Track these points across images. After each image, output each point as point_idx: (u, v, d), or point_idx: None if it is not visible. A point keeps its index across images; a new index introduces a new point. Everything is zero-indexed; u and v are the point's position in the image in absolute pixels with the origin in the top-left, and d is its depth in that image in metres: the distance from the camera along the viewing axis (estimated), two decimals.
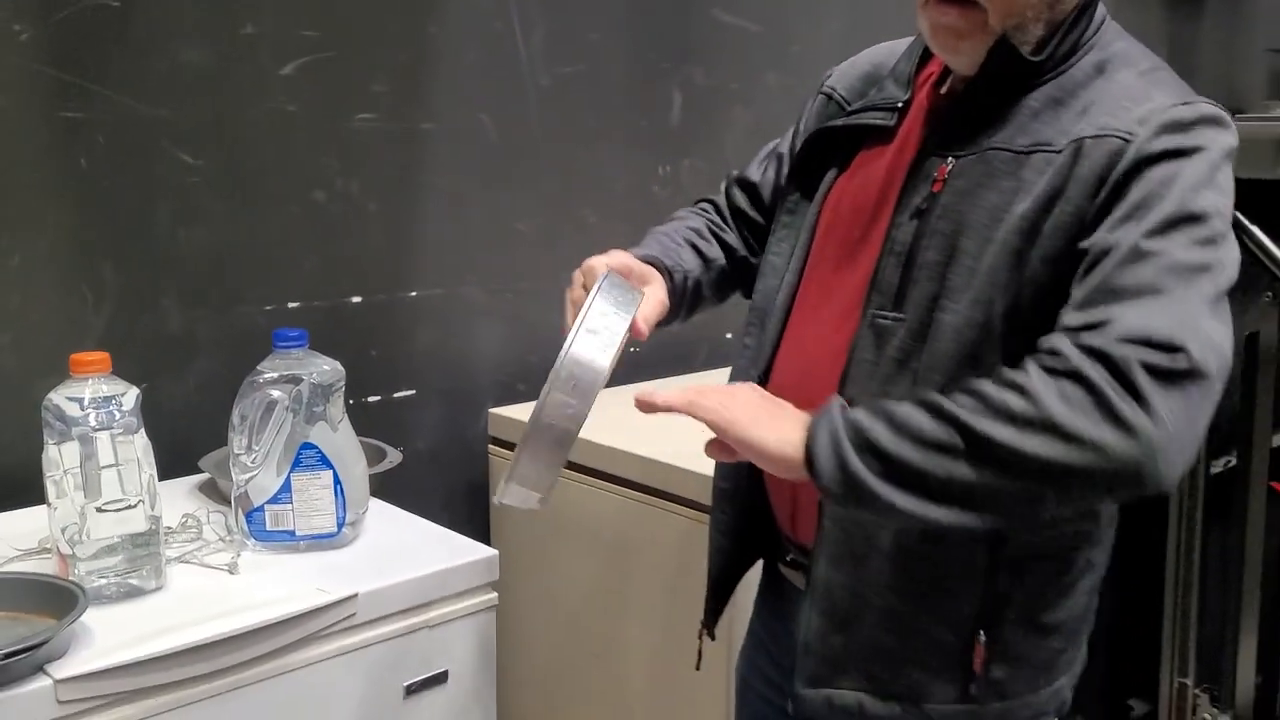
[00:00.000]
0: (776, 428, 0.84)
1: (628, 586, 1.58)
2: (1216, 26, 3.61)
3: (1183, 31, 3.47)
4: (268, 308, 1.58)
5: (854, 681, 0.98)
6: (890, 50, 1.10)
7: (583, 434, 1.64)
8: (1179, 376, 0.76)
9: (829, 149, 1.05)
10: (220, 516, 1.31)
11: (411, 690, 1.17)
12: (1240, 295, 2.06)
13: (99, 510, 1.08)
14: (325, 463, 1.22)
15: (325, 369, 1.23)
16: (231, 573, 1.17)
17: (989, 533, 0.91)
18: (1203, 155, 0.86)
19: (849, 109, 1.07)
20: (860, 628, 0.97)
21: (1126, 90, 0.90)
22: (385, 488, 1.43)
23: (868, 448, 0.80)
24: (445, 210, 1.75)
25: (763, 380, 1.04)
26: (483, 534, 1.74)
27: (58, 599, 1.02)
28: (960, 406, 0.79)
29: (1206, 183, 0.85)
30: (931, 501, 0.79)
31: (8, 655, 0.91)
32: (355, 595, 1.12)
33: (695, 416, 0.86)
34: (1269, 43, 3.78)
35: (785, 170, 1.16)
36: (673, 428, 1.75)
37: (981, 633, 0.95)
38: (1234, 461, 2.10)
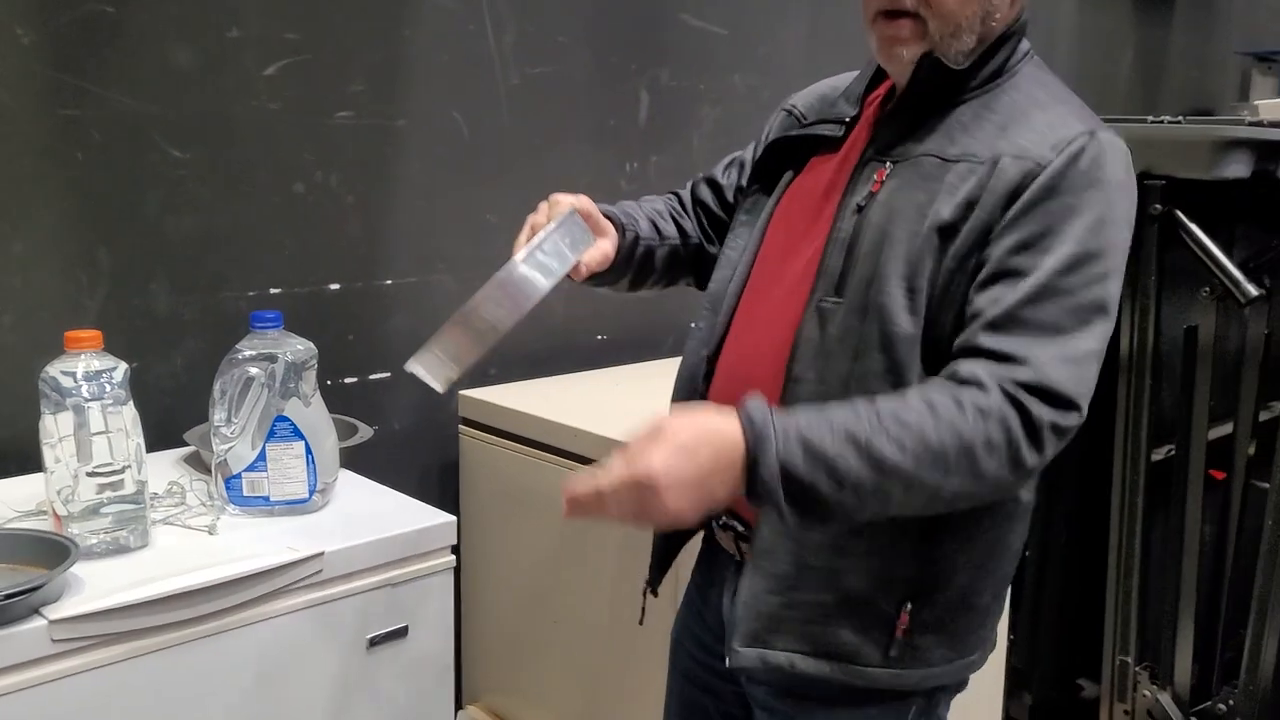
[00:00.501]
0: (715, 493, 0.88)
1: (583, 556, 1.68)
2: (1187, 29, 3.68)
3: (1153, 34, 3.55)
4: (250, 293, 1.68)
5: (787, 641, 1.05)
6: (847, 78, 1.21)
7: (545, 415, 1.75)
8: (1069, 431, 0.94)
9: (787, 156, 1.17)
10: (203, 484, 1.41)
11: (375, 642, 1.28)
12: (1181, 291, 2.17)
13: (90, 474, 1.19)
14: (298, 434, 1.32)
15: (299, 348, 1.33)
16: (211, 533, 1.28)
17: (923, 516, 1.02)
18: (1100, 192, 0.98)
19: (805, 122, 1.19)
20: (799, 589, 1.04)
21: (1043, 118, 1.02)
22: (360, 463, 1.54)
23: (811, 500, 0.88)
24: (419, 202, 1.85)
25: (712, 359, 1.14)
26: (453, 508, 1.85)
27: (52, 551, 1.13)
28: (904, 452, 0.89)
29: (1104, 218, 0.97)
30: (856, 517, 0.93)
31: (7, 597, 1.02)
32: (322, 553, 1.23)
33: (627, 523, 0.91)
34: (1239, 45, 3.87)
35: (746, 175, 1.27)
36: (628, 409, 1.85)
37: (909, 602, 1.03)
38: (1174, 450, 2.20)
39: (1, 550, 1.16)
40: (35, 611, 1.06)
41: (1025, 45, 1.08)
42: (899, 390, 0.98)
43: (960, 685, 1.12)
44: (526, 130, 1.96)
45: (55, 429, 1.19)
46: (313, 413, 1.34)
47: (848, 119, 1.13)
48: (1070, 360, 0.93)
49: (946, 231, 0.98)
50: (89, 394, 1.19)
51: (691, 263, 1.28)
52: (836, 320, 1.01)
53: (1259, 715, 2.05)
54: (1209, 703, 2.15)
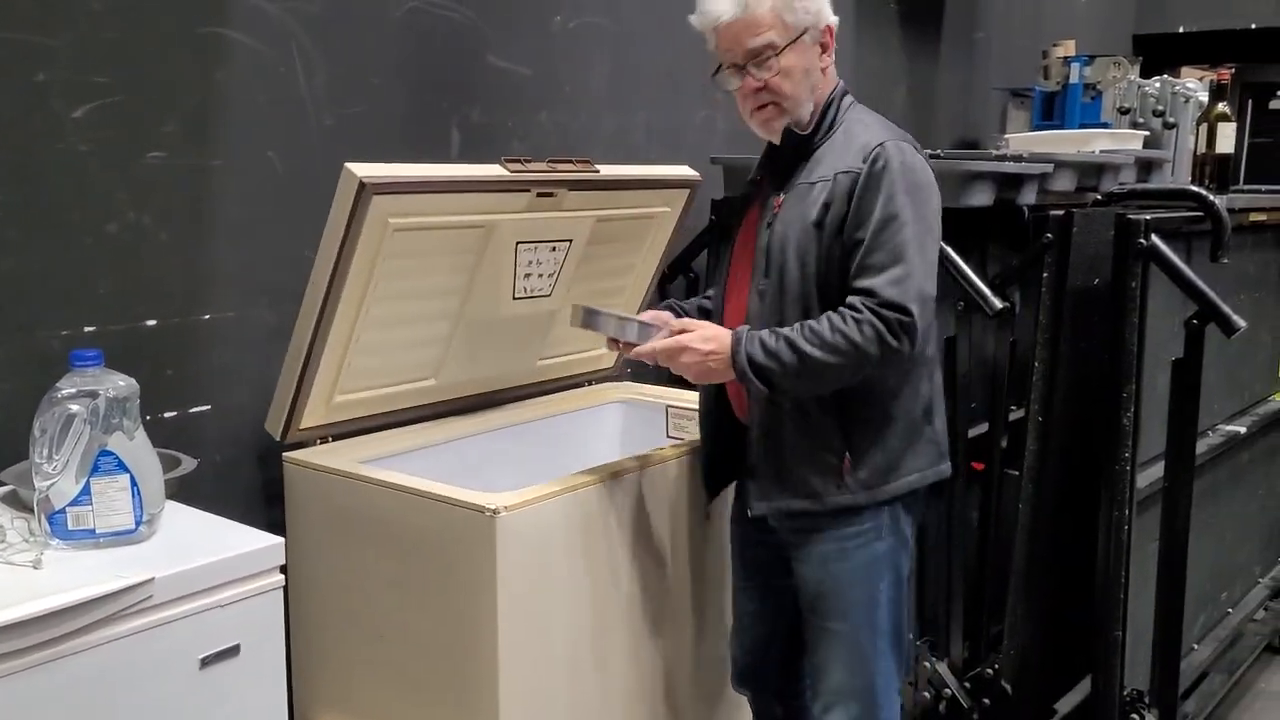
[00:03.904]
0: (714, 368, 1.65)
1: (407, 576, 1.77)
2: (952, 69, 4.08)
3: (922, 73, 3.91)
4: (64, 332, 1.69)
5: (781, 493, 1.73)
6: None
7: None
8: (909, 324, 1.58)
9: (742, 204, 1.85)
10: (23, 522, 1.43)
11: (207, 661, 1.34)
12: (943, 307, 2.45)
13: None
14: (122, 468, 1.37)
15: (120, 384, 1.38)
16: (36, 568, 1.31)
17: (841, 400, 1.68)
18: (889, 178, 1.61)
19: (745, 181, 1.89)
20: (776, 457, 1.72)
21: (858, 140, 1.66)
22: (187, 494, 1.58)
23: (767, 376, 1.61)
24: (236, 239, 1.90)
25: (720, 315, 1.81)
26: (279, 534, 1.90)
27: None
28: (813, 346, 1.58)
29: (893, 193, 1.60)
30: (801, 390, 1.65)
31: None
32: (152, 579, 1.28)
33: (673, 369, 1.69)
34: (996, 81, 4.33)
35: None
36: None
37: (846, 453, 1.69)
38: None
39: None
40: None
41: (848, 100, 1.74)
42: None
43: (907, 499, 1.75)
44: (341, 168, 2.03)
45: None
46: (136, 446, 1.39)
47: (758, 177, 1.82)
48: (895, 282, 1.58)
49: (817, 226, 1.65)
50: None
51: None
52: (767, 294, 1.69)
53: (1017, 674, 2.34)
54: (979, 669, 2.43)
